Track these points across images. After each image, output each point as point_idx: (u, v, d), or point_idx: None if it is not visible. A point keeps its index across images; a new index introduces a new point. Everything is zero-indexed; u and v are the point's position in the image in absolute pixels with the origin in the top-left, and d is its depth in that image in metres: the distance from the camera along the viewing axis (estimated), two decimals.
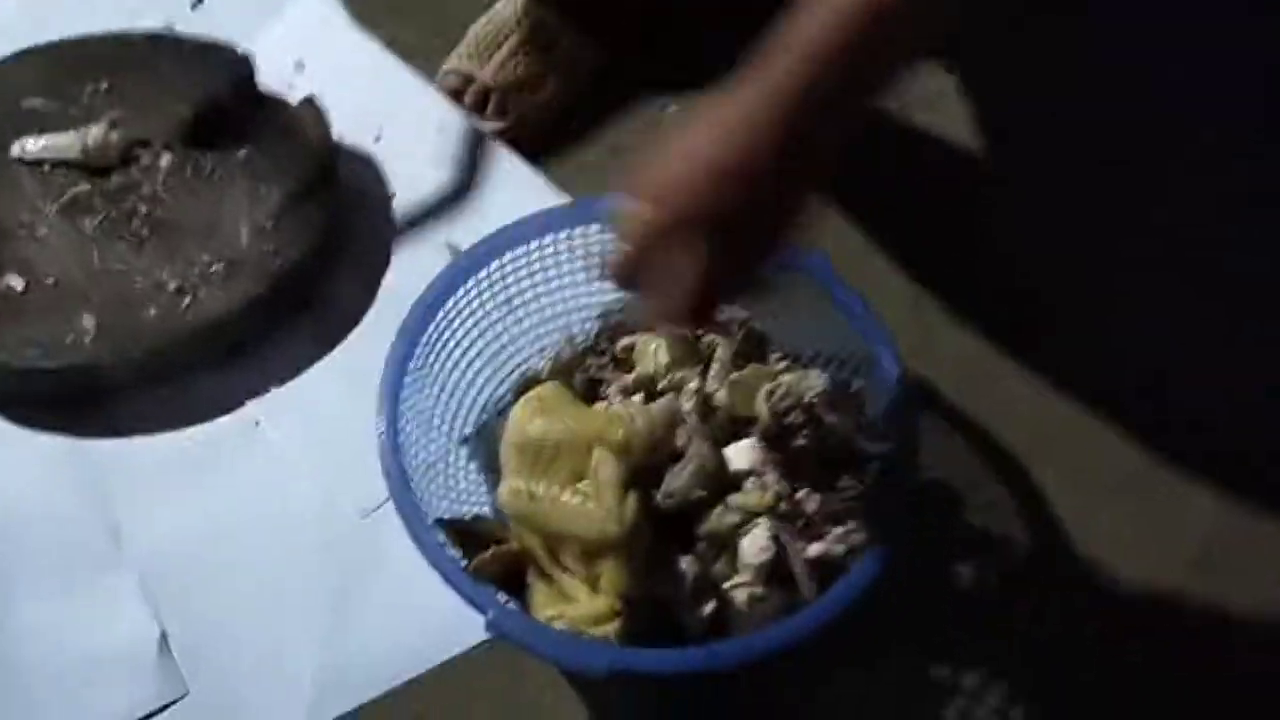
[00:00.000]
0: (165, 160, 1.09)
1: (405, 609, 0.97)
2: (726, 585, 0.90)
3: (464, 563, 0.87)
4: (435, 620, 0.95)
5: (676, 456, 0.92)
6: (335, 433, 1.04)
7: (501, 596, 0.88)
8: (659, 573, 0.87)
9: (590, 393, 1.00)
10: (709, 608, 0.88)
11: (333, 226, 1.12)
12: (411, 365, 0.92)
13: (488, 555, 0.88)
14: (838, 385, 0.95)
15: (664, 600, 0.88)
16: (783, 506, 0.90)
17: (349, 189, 1.19)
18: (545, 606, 0.88)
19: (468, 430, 1.01)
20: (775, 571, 0.89)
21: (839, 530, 0.91)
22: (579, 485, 0.87)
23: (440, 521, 0.89)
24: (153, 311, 1.02)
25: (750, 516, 0.89)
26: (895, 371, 0.93)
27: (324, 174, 1.12)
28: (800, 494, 0.91)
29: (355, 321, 1.11)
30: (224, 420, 1.05)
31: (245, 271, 1.06)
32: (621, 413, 0.92)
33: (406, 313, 0.94)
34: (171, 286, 1.05)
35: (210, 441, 1.04)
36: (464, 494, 0.97)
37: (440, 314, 0.95)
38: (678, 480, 0.90)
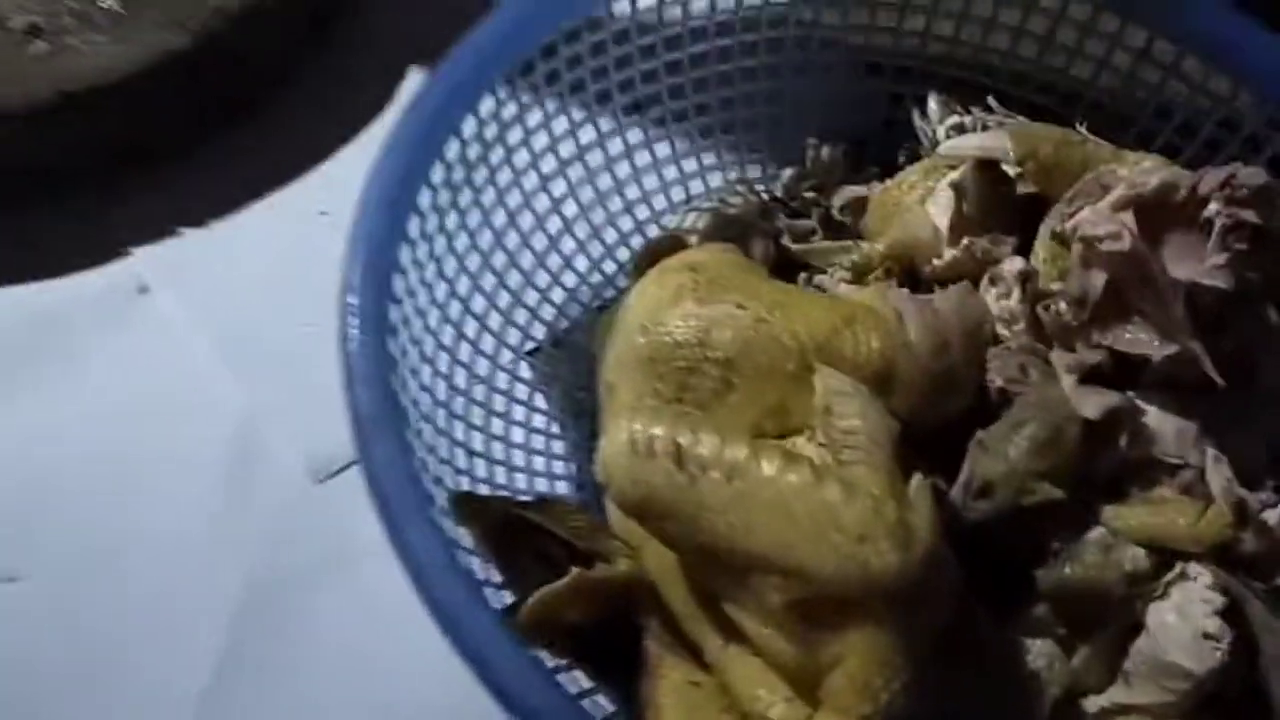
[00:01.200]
0: None
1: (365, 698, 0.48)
2: (1090, 704, 0.39)
3: (506, 600, 0.38)
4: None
5: (987, 410, 0.42)
6: (276, 326, 0.55)
7: (576, 683, 0.39)
8: (958, 677, 0.37)
9: (780, 279, 0.50)
10: None
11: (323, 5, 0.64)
12: (420, 203, 0.43)
13: (561, 586, 0.39)
14: None
15: None
16: (1245, 541, 0.39)
17: None
18: (683, 714, 0.38)
19: (535, 337, 0.52)
20: (1224, 685, 0.39)
21: None
22: (793, 441, 0.37)
23: (459, 498, 0.40)
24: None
25: (1166, 558, 0.39)
26: None
27: None
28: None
29: (337, 133, 0.62)
30: (89, 277, 0.57)
31: (154, 15, 0.58)
32: (877, 301, 0.43)
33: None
34: (17, 24, 0.57)
35: (62, 312, 0.56)
36: (521, 463, 0.48)
37: (472, 115, 0.46)
38: (1000, 456, 0.40)
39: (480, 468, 0.45)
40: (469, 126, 0.45)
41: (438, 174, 0.44)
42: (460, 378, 0.46)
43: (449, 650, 0.34)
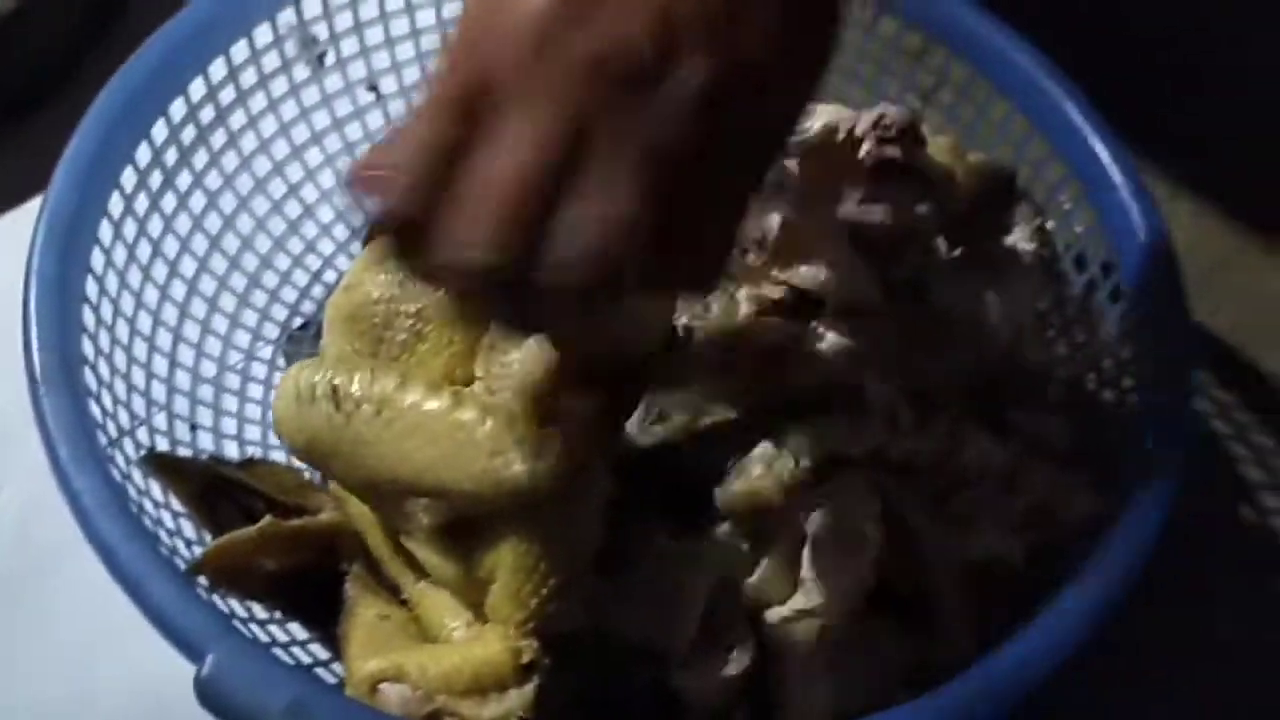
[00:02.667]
0: None
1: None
2: (772, 614, 0.41)
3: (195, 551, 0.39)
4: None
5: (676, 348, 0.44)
6: None
7: (267, 631, 0.41)
8: (622, 583, 0.39)
9: None
10: (735, 660, 0.40)
11: None
12: (123, 181, 0.45)
13: (248, 532, 0.40)
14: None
15: (631, 643, 0.39)
16: (894, 451, 0.42)
17: None
18: (371, 648, 0.39)
19: (276, 319, 0.53)
20: (881, 591, 0.41)
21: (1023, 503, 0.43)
22: (463, 389, 0.39)
23: (152, 457, 0.41)
24: None
25: (827, 467, 0.41)
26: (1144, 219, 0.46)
27: None
28: (932, 426, 0.43)
29: None
30: None
31: None
32: None
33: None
34: None
35: None
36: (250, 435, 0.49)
37: (181, 98, 0.47)
38: (677, 384, 0.42)
39: (205, 439, 0.47)
40: (177, 108, 0.47)
41: (143, 154, 0.46)
42: (187, 355, 0.48)
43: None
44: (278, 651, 0.40)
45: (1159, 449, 0.43)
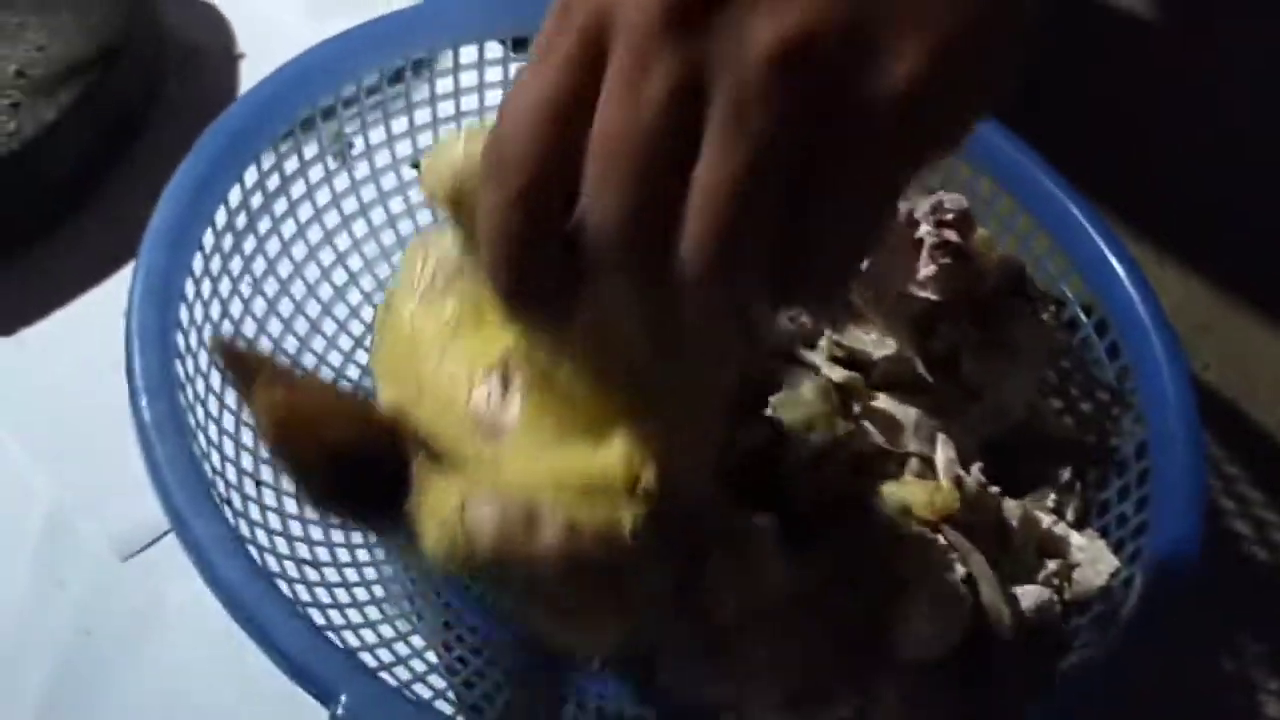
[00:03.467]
0: None
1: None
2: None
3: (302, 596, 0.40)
4: None
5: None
6: (83, 420, 0.56)
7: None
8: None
9: None
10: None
11: (142, 93, 0.67)
12: (205, 242, 0.47)
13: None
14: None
15: None
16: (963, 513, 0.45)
17: (177, 43, 0.74)
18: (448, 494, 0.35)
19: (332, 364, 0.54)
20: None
21: (1052, 565, 0.47)
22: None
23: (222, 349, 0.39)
24: None
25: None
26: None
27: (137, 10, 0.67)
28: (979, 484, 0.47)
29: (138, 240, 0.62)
30: None
31: None
32: None
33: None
34: None
35: None
36: None
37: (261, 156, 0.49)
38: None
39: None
40: (250, 174, 0.49)
41: (221, 216, 0.47)
42: None
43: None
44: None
45: (1172, 516, 0.47)
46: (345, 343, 0.55)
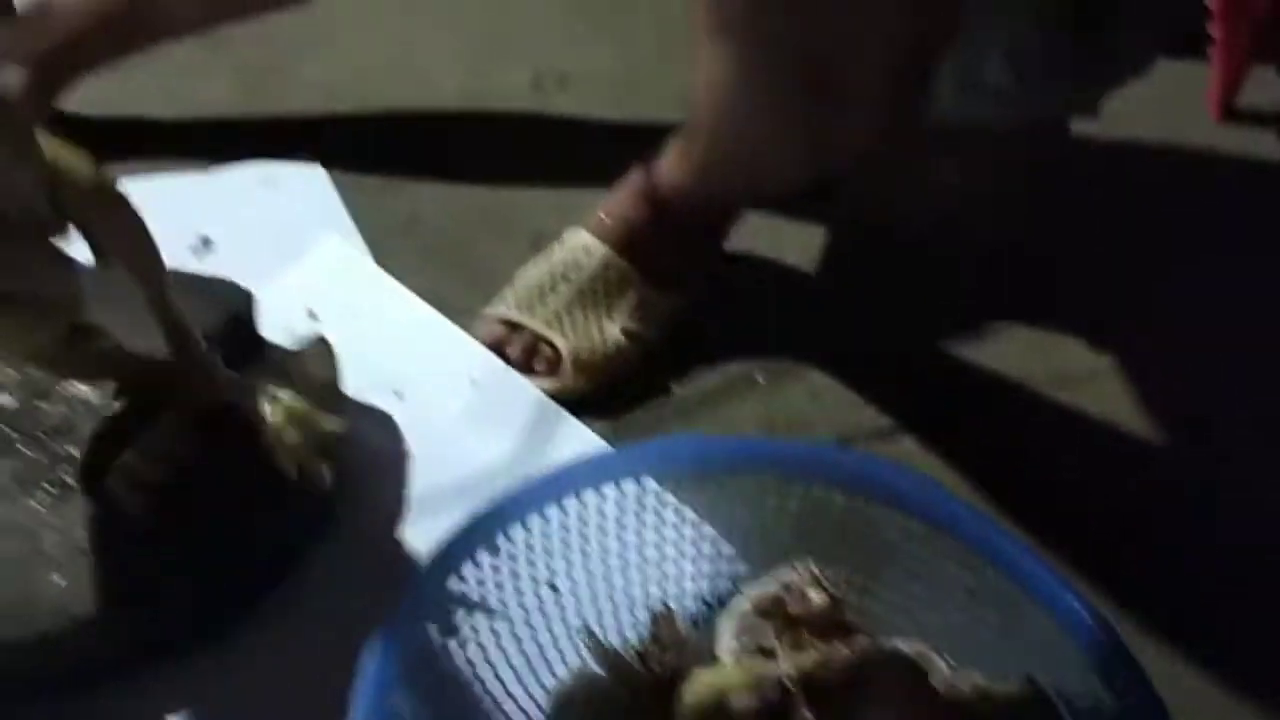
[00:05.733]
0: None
1: None
2: None
3: None
4: None
5: None
6: None
7: None
8: None
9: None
10: None
11: (332, 492, 0.87)
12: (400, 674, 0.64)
13: None
14: None
15: None
16: None
17: (359, 448, 0.95)
18: None
19: None
20: None
21: None
22: None
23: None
24: (58, 580, 0.76)
25: None
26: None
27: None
28: None
29: (343, 619, 0.76)
30: None
31: None
32: None
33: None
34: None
35: None
36: None
37: (446, 595, 0.68)
38: None
39: None
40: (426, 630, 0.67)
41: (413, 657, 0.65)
42: None
43: None
44: None
45: None
46: None
